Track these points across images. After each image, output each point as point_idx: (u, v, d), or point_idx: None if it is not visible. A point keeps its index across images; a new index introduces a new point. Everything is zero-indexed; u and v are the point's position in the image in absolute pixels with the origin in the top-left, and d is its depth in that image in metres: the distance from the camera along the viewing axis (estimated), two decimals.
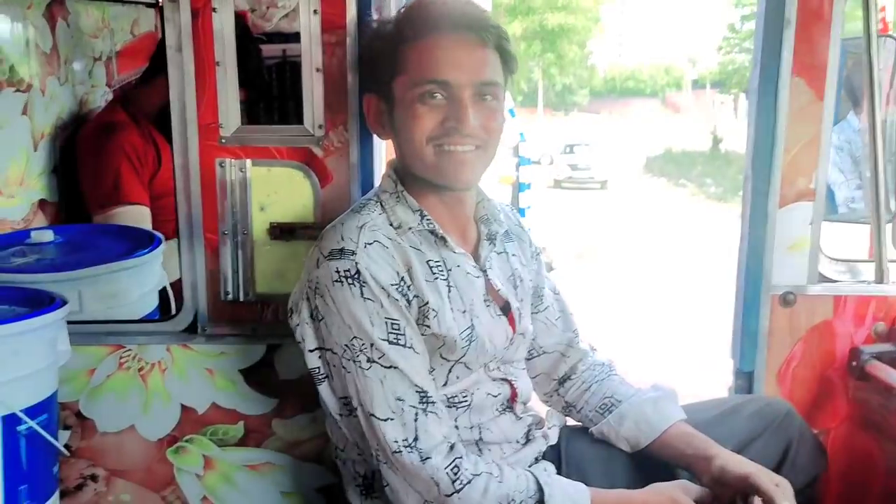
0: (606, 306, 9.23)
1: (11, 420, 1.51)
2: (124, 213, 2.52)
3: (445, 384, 1.47)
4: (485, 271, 1.54)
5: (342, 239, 1.39)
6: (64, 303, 1.66)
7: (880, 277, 1.89)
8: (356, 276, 1.36)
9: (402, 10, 1.48)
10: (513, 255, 1.65)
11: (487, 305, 1.52)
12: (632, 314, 9.01)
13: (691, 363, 6.73)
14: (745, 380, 1.92)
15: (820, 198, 1.81)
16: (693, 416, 1.63)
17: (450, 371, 1.47)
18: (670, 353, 7.32)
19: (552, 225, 14.65)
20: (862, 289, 1.89)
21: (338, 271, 1.37)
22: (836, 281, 1.91)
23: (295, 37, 1.70)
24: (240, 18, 2.46)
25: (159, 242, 2.21)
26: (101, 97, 3.02)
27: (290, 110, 1.76)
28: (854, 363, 1.85)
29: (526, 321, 1.61)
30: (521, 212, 8.41)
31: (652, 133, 36.58)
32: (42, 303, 1.66)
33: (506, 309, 1.56)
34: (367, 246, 1.38)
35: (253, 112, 1.77)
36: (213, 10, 1.68)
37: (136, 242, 2.21)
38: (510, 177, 8.42)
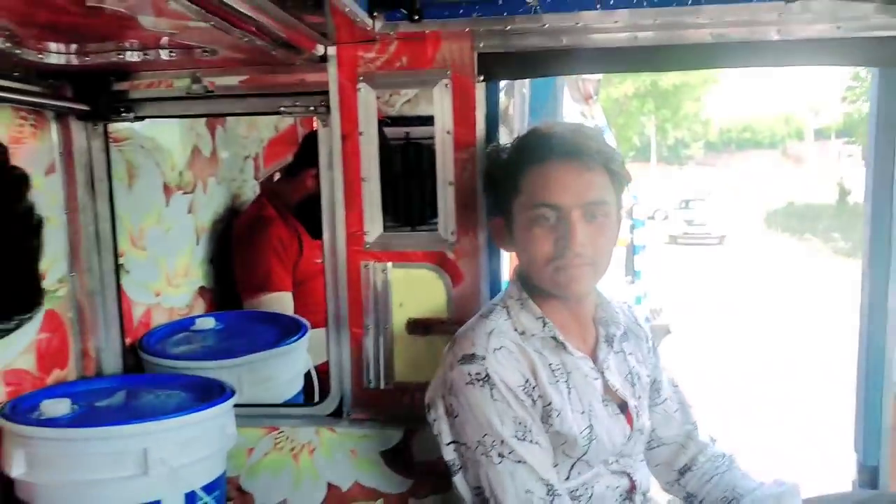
0: (721, 378, 8.96)
1: (191, 497, 1.75)
2: (273, 299, 2.80)
3: (567, 479, 1.59)
4: (602, 372, 1.66)
5: (473, 344, 1.56)
6: (233, 392, 1.90)
7: None
8: (486, 378, 1.52)
9: (518, 139, 1.68)
10: (630, 353, 1.77)
11: (605, 405, 1.64)
12: (749, 386, 8.70)
13: (813, 445, 6.45)
14: (870, 474, 1.92)
15: None
16: None
17: (572, 467, 1.59)
18: (791, 434, 7.04)
19: (669, 283, 14.39)
20: None
21: (470, 374, 1.53)
22: None
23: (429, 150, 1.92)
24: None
25: (306, 330, 2.45)
26: (250, 189, 3.37)
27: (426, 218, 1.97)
28: None
29: (643, 418, 1.71)
30: (637, 274, 8.35)
31: (772, 186, 35.29)
32: (212, 391, 1.91)
33: (623, 407, 1.67)
34: (496, 351, 1.54)
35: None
36: (360, 133, 1.92)
37: (285, 329, 2.47)
38: (623, 239, 8.38)
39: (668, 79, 26.52)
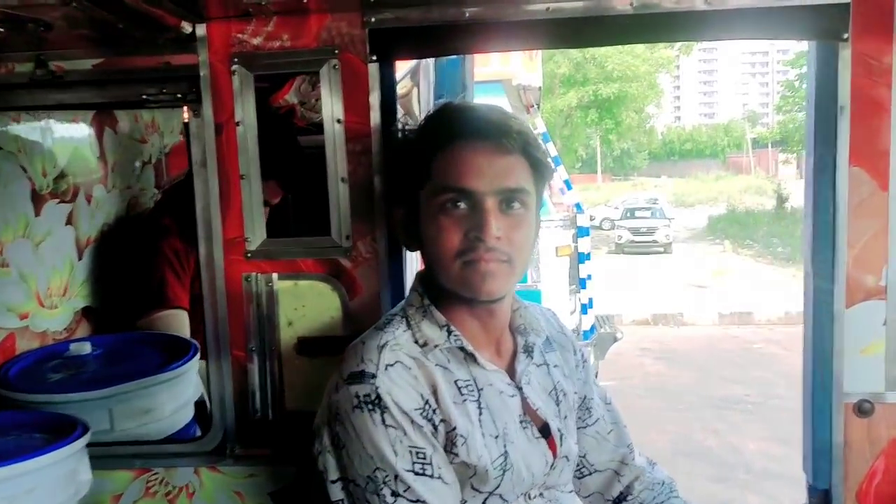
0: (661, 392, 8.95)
1: None
2: (166, 317, 2.51)
3: None
4: (521, 388, 1.43)
5: (362, 360, 1.31)
6: (86, 429, 1.61)
7: None
8: (377, 401, 1.27)
9: (427, 117, 1.44)
10: (554, 366, 1.54)
11: (524, 427, 1.40)
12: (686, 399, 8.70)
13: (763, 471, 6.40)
14: (821, 498, 1.72)
15: (893, 296, 1.64)
16: None
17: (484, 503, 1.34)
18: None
19: (617, 292, 14.41)
20: None
21: (357, 396, 1.28)
22: None
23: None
24: (286, 119, 2.50)
25: (196, 351, 2.16)
26: (150, 199, 3.06)
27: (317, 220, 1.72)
28: None
29: (569, 442, 1.48)
30: (582, 282, 8.24)
31: (714, 194, 36.02)
32: (64, 430, 1.61)
33: (545, 430, 1.44)
34: (389, 368, 1.30)
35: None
36: (237, 123, 1.66)
37: (172, 352, 2.17)
38: (568, 247, 8.29)
39: (610, 89, 26.83)
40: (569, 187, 8.36)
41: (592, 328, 8.25)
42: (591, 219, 26.72)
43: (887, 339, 1.65)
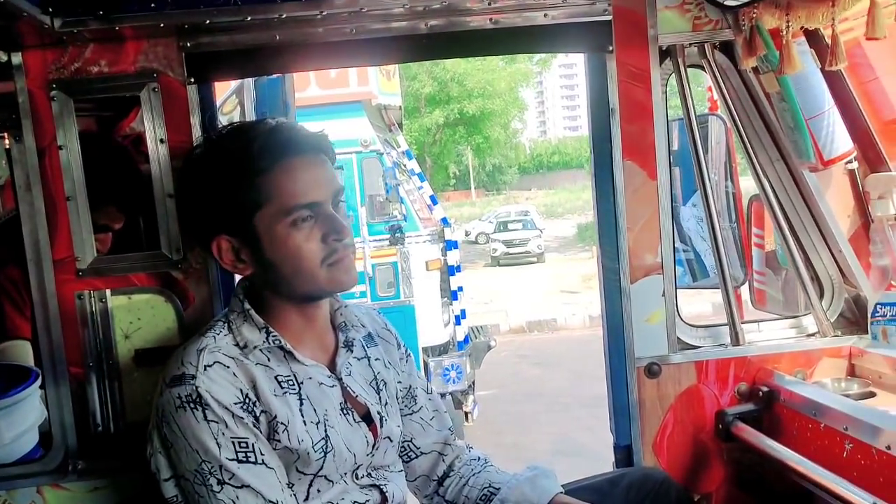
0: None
1: None
2: (7, 348, 2.46)
3: (307, 499, 1.46)
4: (340, 379, 1.56)
5: (182, 364, 1.41)
6: None
7: (735, 340, 1.96)
8: (198, 399, 1.37)
9: (247, 143, 1.46)
10: (375, 359, 1.68)
11: (345, 414, 1.53)
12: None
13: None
14: (624, 453, 1.95)
15: (668, 270, 1.89)
16: (573, 493, 1.66)
17: (310, 485, 1.46)
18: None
19: (495, 303, 14.79)
20: (721, 352, 1.96)
21: (180, 397, 1.38)
22: (697, 347, 1.98)
23: None
24: (123, 150, 2.53)
25: (36, 377, 2.15)
26: None
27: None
28: (720, 426, 1.90)
29: (391, 425, 1.62)
30: (454, 294, 8.45)
31: (581, 203, 37.50)
32: None
33: (367, 416, 1.57)
34: (207, 368, 1.40)
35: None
36: (60, 147, 1.71)
37: (11, 380, 2.15)
38: (438, 261, 8.48)
39: (475, 105, 27.53)
40: (434, 203, 8.56)
41: (466, 338, 8.45)
42: (467, 234, 27.27)
43: (666, 308, 1.90)
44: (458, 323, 8.36)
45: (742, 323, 1.98)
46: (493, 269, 23.24)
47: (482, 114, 28.13)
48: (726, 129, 2.19)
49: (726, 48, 1.95)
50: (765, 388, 1.89)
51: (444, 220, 8.61)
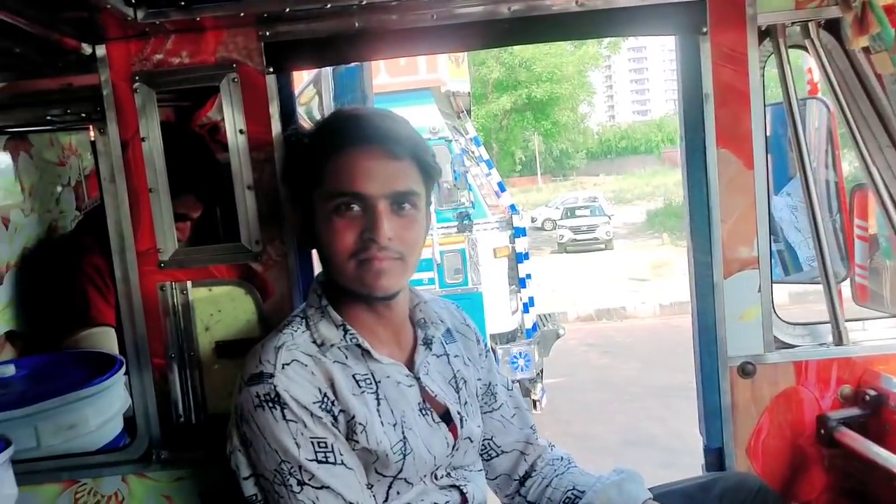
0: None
1: None
2: (92, 335, 2.52)
3: (386, 500, 1.43)
4: (419, 378, 1.51)
5: (260, 362, 1.39)
6: (8, 444, 1.63)
7: (838, 339, 1.84)
8: (276, 398, 1.35)
9: (319, 124, 1.53)
10: (455, 355, 1.63)
11: (424, 414, 1.49)
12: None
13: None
14: (715, 456, 1.86)
15: (765, 265, 1.79)
16: (662, 498, 1.59)
17: (389, 487, 1.43)
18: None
19: (561, 290, 14.64)
20: (822, 352, 1.85)
21: (258, 396, 1.36)
22: (795, 346, 1.86)
23: None
24: (200, 140, 2.55)
25: (121, 365, 2.19)
26: (71, 222, 3.06)
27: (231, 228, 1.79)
28: (822, 431, 1.79)
29: (472, 425, 1.57)
30: (522, 282, 8.38)
31: (651, 189, 36.78)
32: None
33: (447, 416, 1.53)
34: (286, 367, 1.38)
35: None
36: (143, 139, 1.71)
37: (98, 368, 2.19)
38: (506, 248, 8.42)
39: (542, 90, 27.18)
40: (503, 189, 8.49)
41: (535, 326, 8.39)
42: (533, 220, 27.07)
43: (762, 304, 1.79)
44: (526, 311, 8.30)
45: (846, 321, 1.86)
46: (559, 255, 22.99)
47: (550, 98, 27.80)
48: (829, 113, 2.05)
49: (831, 27, 1.81)
50: (872, 392, 1.77)
51: (513, 208, 8.54)
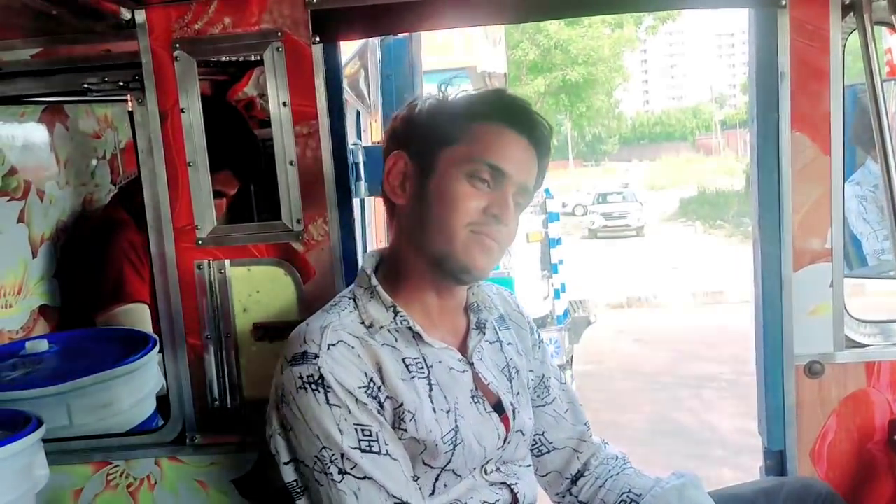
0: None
1: None
2: (126, 311, 2.47)
3: (433, 494, 1.35)
4: (472, 364, 1.43)
5: (304, 342, 1.32)
6: (40, 423, 1.58)
7: None
8: (320, 381, 1.27)
9: (483, 91, 1.51)
10: (508, 343, 1.55)
11: (476, 402, 1.41)
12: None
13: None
14: (776, 460, 1.76)
15: (838, 258, 1.67)
16: (724, 502, 1.50)
17: (436, 479, 1.35)
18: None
19: (591, 276, 14.49)
20: None
21: (301, 377, 1.29)
22: (866, 346, 1.74)
23: None
24: (237, 114, 2.48)
25: (154, 344, 2.14)
26: (106, 195, 3.02)
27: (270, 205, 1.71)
28: (894, 437, 1.68)
29: (523, 417, 1.49)
30: (554, 268, 8.28)
31: (685, 175, 36.30)
32: (17, 425, 1.59)
33: (498, 405, 1.44)
34: (331, 347, 1.30)
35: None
36: (182, 110, 1.64)
37: (131, 346, 2.15)
38: (539, 233, 8.32)
39: (577, 73, 26.82)
40: None
41: (566, 312, 8.31)
42: (564, 205, 26.85)
43: (834, 300, 1.68)
44: (557, 297, 8.22)
45: None
46: (590, 241, 22.79)
47: (585, 81, 27.41)
48: None
49: None
50: None
51: (547, 191, 8.42)
